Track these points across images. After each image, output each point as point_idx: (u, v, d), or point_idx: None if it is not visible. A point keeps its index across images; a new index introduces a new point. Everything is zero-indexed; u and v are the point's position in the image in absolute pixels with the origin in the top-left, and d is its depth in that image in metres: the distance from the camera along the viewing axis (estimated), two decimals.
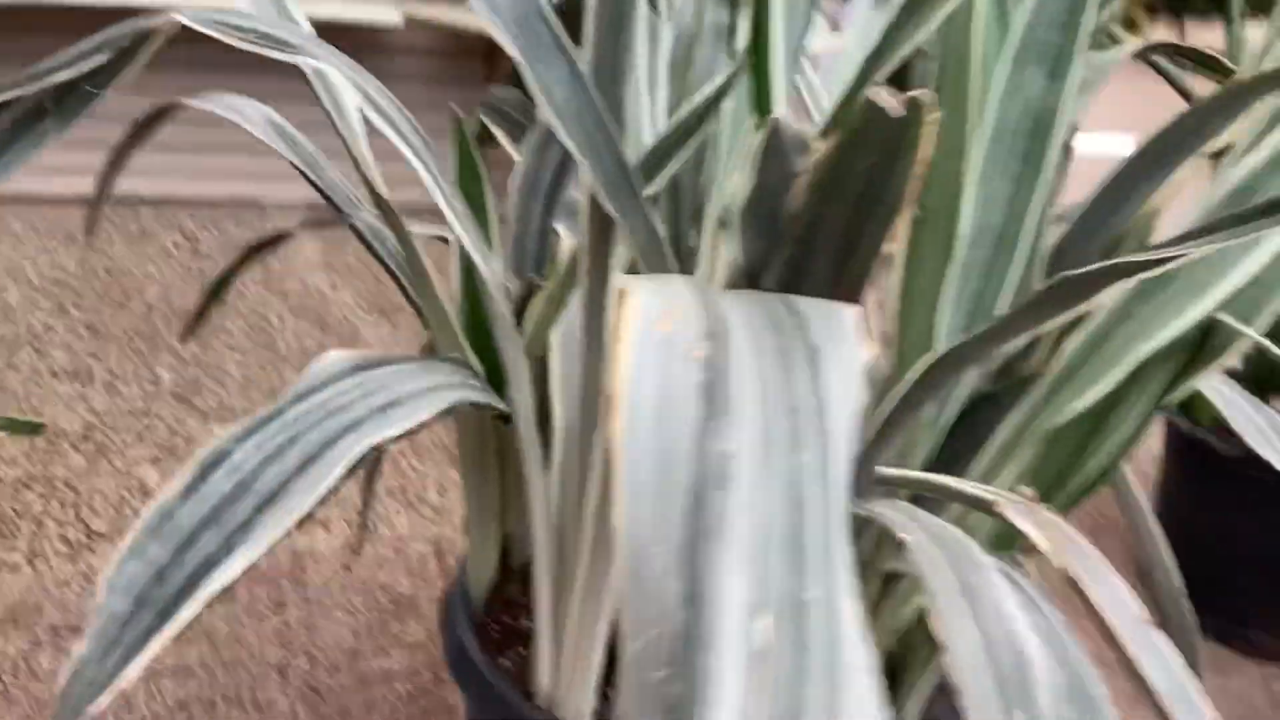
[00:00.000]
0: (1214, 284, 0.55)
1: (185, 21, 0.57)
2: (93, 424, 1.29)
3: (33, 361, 1.40)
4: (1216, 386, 0.73)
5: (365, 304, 1.61)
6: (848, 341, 0.34)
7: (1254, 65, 0.59)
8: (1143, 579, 0.77)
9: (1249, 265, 0.55)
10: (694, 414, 0.30)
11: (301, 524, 0.54)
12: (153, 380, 1.38)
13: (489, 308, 0.59)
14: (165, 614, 0.53)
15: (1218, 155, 0.62)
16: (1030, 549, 0.48)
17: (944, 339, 0.56)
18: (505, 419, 0.63)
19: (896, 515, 0.54)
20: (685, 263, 0.62)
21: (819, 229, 0.39)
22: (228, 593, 0.52)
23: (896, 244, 0.60)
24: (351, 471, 0.55)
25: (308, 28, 0.67)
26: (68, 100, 0.61)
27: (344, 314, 1.59)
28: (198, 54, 0.81)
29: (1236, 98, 0.50)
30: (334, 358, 0.58)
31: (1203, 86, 1.18)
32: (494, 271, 0.58)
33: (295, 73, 0.61)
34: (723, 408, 0.30)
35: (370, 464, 0.95)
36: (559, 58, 0.45)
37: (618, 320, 0.31)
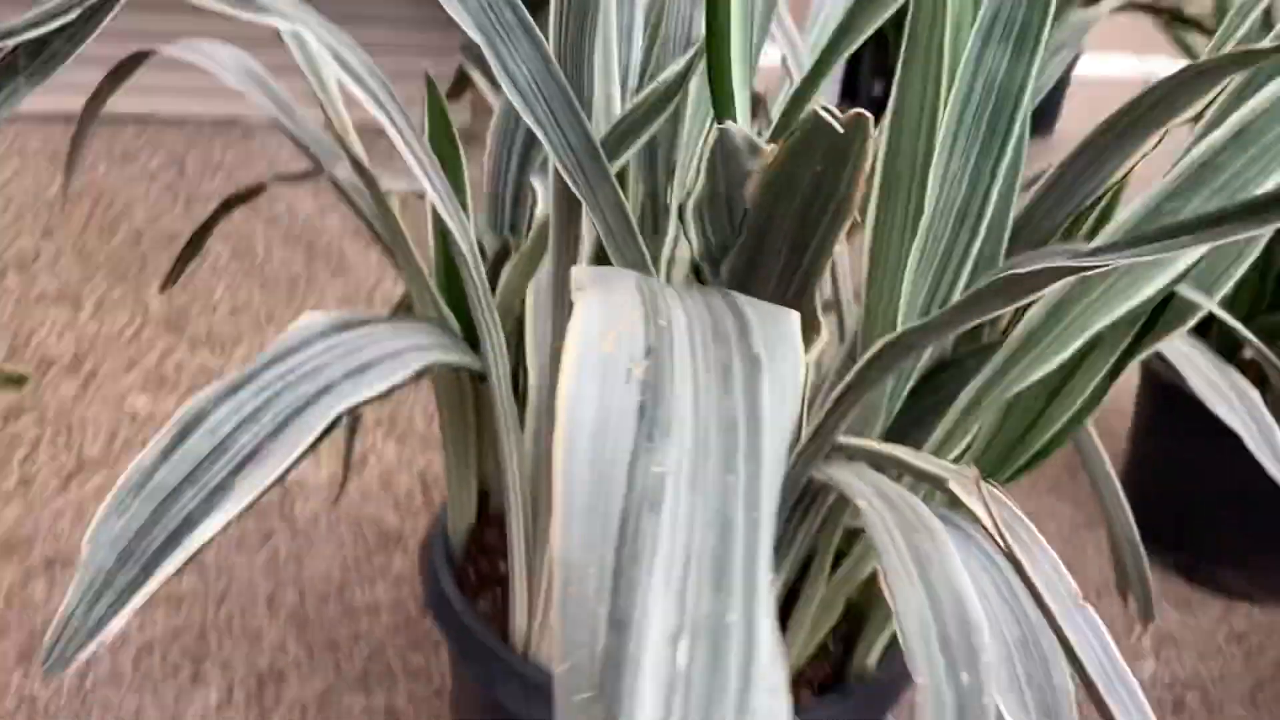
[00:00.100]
0: (1177, 257, 0.56)
1: None
2: (82, 351, 1.30)
3: (21, 286, 1.41)
4: (1177, 346, 0.74)
5: (352, 231, 1.61)
6: (789, 351, 0.35)
7: (1231, 25, 0.58)
8: (1108, 530, 0.79)
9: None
10: (630, 436, 0.31)
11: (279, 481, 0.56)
12: (141, 306, 1.39)
13: (461, 270, 0.60)
14: (148, 569, 0.55)
15: (1198, 117, 0.62)
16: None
17: (906, 306, 0.57)
18: (482, 378, 0.64)
19: (854, 480, 0.56)
20: (659, 225, 0.63)
21: (772, 224, 0.40)
22: None
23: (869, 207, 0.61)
24: (327, 433, 0.57)
25: None
26: (40, 56, 0.61)
27: (331, 240, 1.59)
28: None
29: (1201, 76, 0.50)
30: (309, 320, 0.59)
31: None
32: (466, 235, 0.59)
33: None
34: (659, 429, 0.31)
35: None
36: (522, 35, 0.45)
37: (566, 337, 0.32)
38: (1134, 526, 0.76)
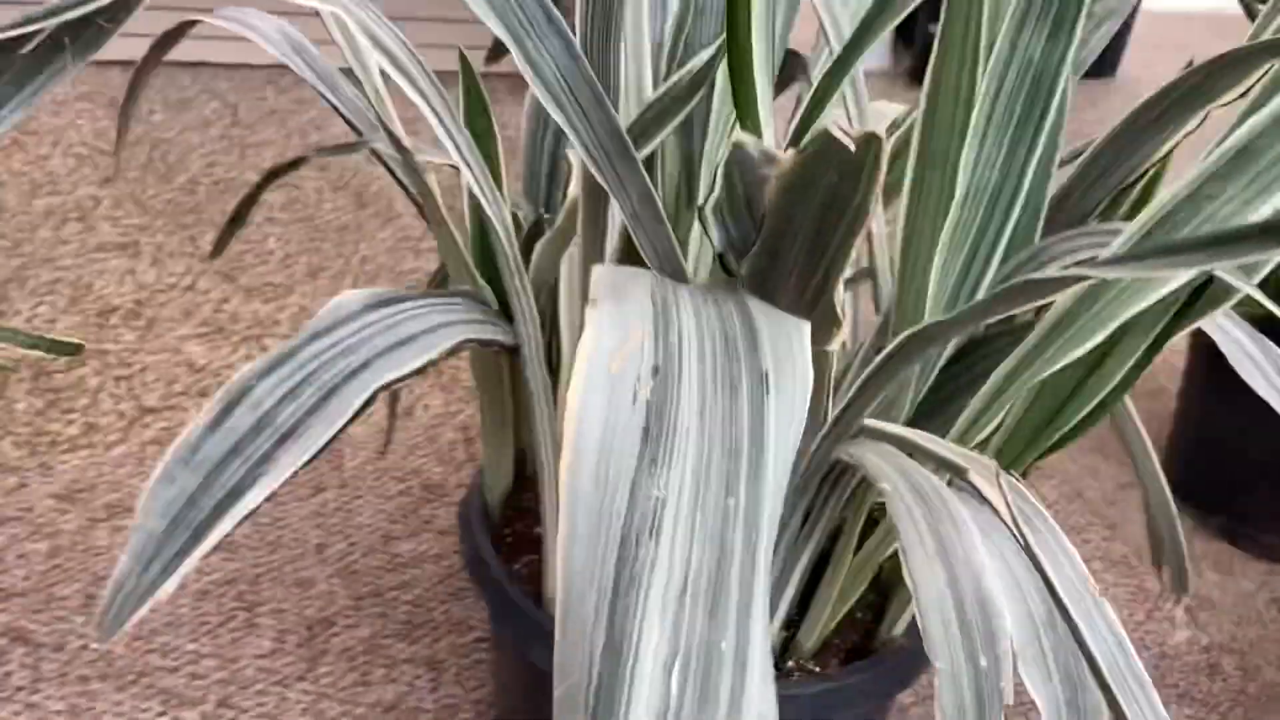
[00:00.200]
0: None
1: None
2: (142, 299, 1.34)
3: (82, 235, 1.45)
4: (1218, 321, 0.73)
5: None
6: (797, 369, 0.35)
7: (1272, 12, 0.57)
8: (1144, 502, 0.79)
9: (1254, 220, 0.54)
10: (633, 459, 0.32)
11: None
12: (197, 255, 1.42)
13: (494, 246, 0.61)
14: (198, 534, 0.57)
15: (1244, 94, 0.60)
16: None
17: (936, 287, 0.57)
18: (515, 350, 0.65)
19: (879, 462, 0.57)
20: (695, 196, 0.63)
21: (790, 226, 0.40)
22: None
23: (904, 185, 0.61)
24: (365, 408, 0.58)
25: None
26: (84, 35, 0.62)
27: (380, 189, 1.60)
28: None
29: (1239, 63, 0.49)
30: (346, 297, 0.60)
31: None
32: (500, 213, 0.60)
33: None
34: (662, 451, 0.32)
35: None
36: (548, 28, 0.46)
37: (576, 354, 0.33)
38: (1170, 500, 0.75)
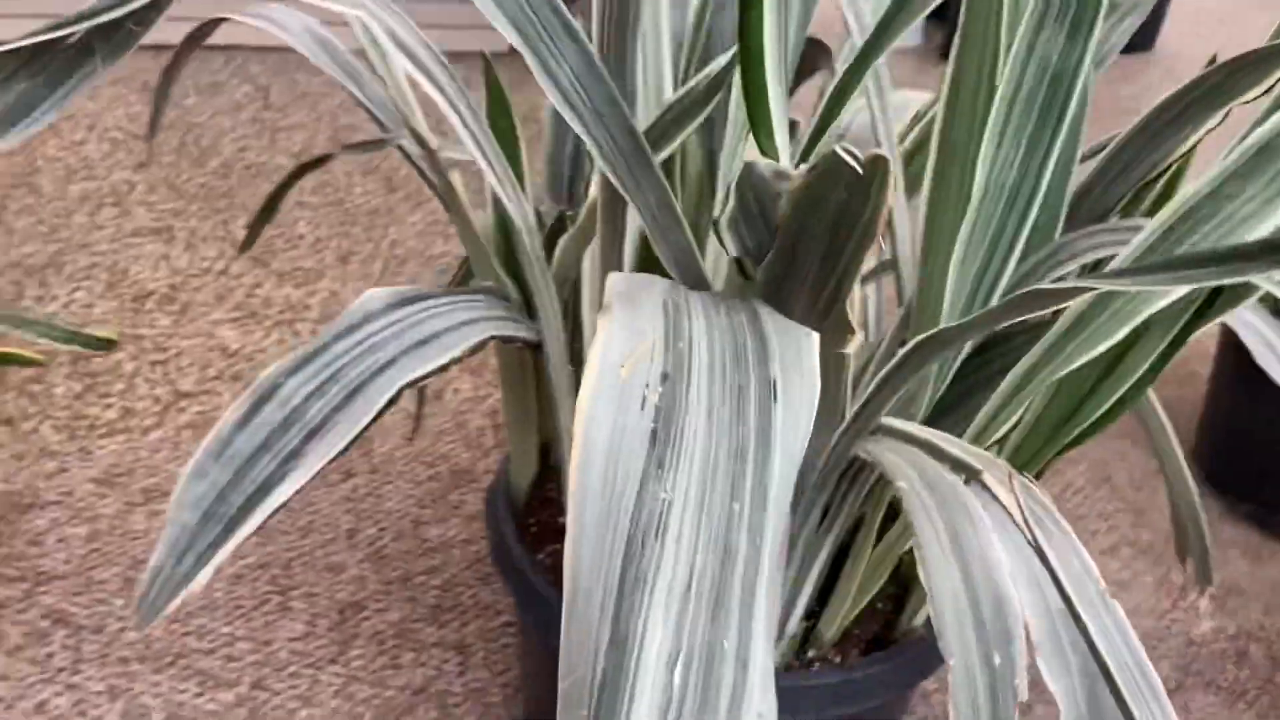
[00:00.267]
0: (1235, 239, 0.55)
1: None
2: (176, 284, 1.36)
3: (118, 220, 1.47)
4: (1241, 315, 0.73)
5: None
6: (805, 378, 0.36)
7: None
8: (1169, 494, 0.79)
9: (1274, 220, 0.54)
10: (640, 462, 0.33)
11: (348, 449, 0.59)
12: (230, 240, 1.44)
13: (517, 244, 0.62)
14: (229, 528, 0.59)
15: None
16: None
17: (954, 286, 0.58)
18: (538, 346, 0.66)
19: (896, 459, 0.57)
20: (717, 190, 0.63)
21: (803, 237, 0.41)
22: None
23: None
24: (390, 405, 0.59)
25: None
26: (114, 38, 0.63)
27: (410, 172, 1.61)
28: None
29: (1264, 60, 0.49)
30: (372, 295, 0.61)
31: None
32: (522, 211, 0.61)
33: None
34: (669, 455, 0.33)
35: None
36: (564, 35, 0.46)
37: (586, 361, 0.34)
38: (1194, 491, 0.75)
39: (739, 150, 0.57)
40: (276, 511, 0.58)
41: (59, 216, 1.45)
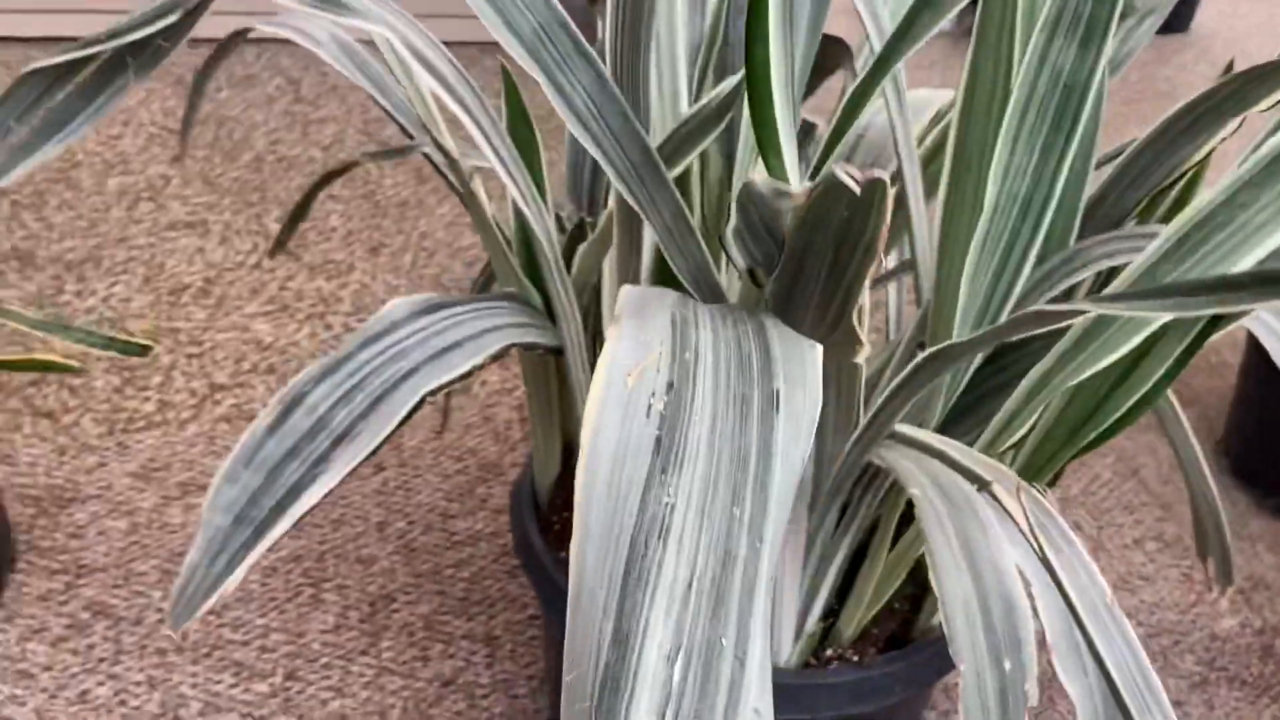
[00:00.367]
0: (1256, 246, 0.55)
1: None
2: (211, 277, 1.38)
3: (154, 214, 1.50)
4: (1261, 316, 0.73)
5: None
6: (807, 389, 0.37)
7: None
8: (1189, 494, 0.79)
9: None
10: (644, 467, 0.34)
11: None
12: (263, 234, 1.47)
13: (538, 252, 0.63)
14: (260, 531, 0.61)
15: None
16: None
17: (967, 293, 0.58)
18: (559, 351, 0.67)
19: (909, 466, 0.58)
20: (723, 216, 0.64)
21: (809, 252, 0.41)
22: None
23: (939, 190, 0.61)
24: (414, 412, 0.61)
25: None
26: (144, 54, 0.65)
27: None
28: None
29: (1274, 74, 0.49)
30: (396, 304, 0.63)
31: None
32: (542, 220, 0.62)
33: None
34: (673, 461, 0.34)
35: None
36: (577, 58, 0.47)
37: (595, 370, 0.35)
38: (1215, 491, 0.75)
39: (755, 160, 0.58)
40: (304, 516, 0.60)
41: (97, 211, 1.48)
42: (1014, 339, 0.62)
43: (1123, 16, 0.64)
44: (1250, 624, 1.02)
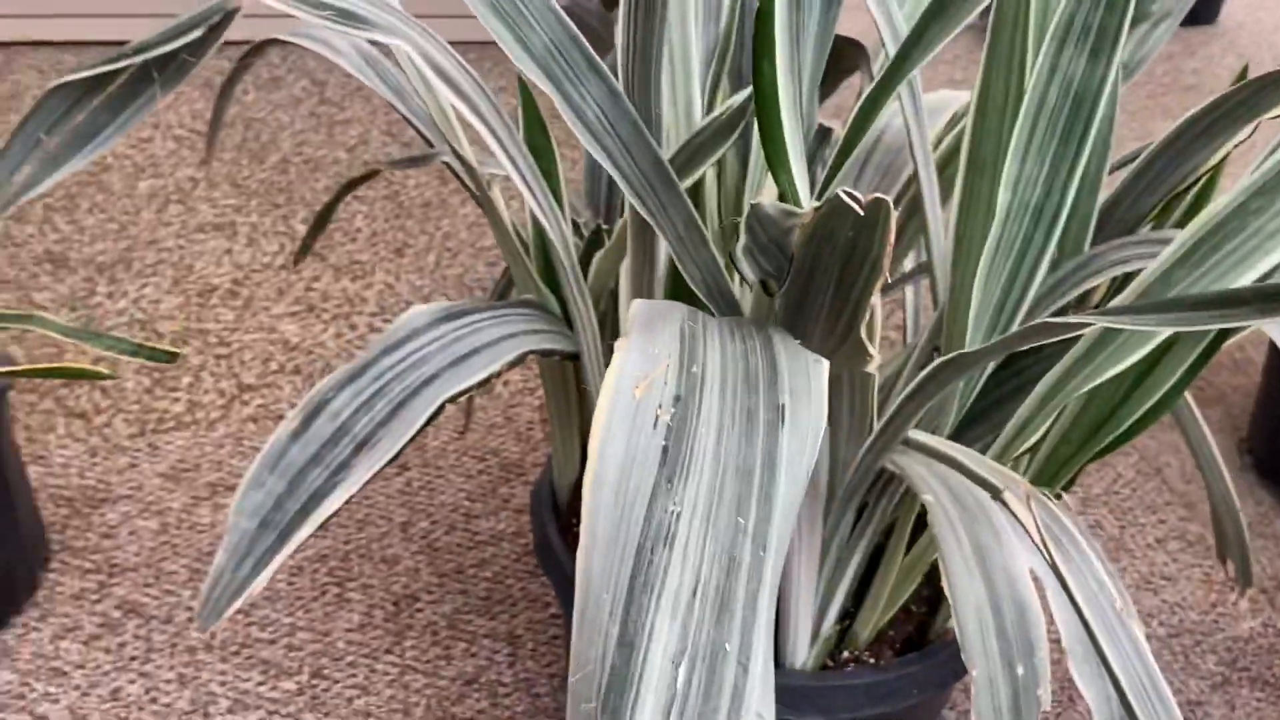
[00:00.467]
0: (1272, 249, 0.55)
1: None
2: (239, 279, 1.40)
3: (183, 216, 1.52)
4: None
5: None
6: (813, 404, 0.38)
7: None
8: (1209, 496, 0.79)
9: None
10: (651, 476, 0.35)
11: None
12: (290, 235, 1.48)
13: (554, 260, 0.64)
14: (284, 535, 0.62)
15: None
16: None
17: (980, 299, 0.58)
18: (575, 357, 0.68)
19: (922, 472, 0.58)
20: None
21: (818, 267, 0.42)
22: None
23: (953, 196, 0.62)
24: (434, 418, 0.62)
25: None
26: (170, 68, 0.66)
27: None
28: None
29: None
30: (416, 312, 0.64)
31: None
32: (558, 228, 0.63)
33: None
34: (679, 470, 0.35)
35: None
36: (589, 72, 0.48)
37: (604, 380, 0.36)
38: (1234, 494, 0.75)
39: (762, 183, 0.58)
40: (326, 521, 0.61)
41: (127, 214, 1.51)
42: (1027, 346, 0.62)
43: (1139, 21, 0.64)
44: (1273, 624, 1.02)
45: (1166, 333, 0.54)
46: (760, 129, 0.42)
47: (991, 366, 0.62)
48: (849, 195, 0.35)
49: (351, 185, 0.77)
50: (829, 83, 0.85)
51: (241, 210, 1.54)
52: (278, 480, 0.63)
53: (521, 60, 0.46)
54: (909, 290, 0.82)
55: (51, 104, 0.71)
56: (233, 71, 0.81)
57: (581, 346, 0.67)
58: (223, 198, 1.56)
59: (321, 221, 0.80)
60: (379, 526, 1.05)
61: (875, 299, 0.43)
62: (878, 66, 0.77)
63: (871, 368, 0.50)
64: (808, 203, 0.46)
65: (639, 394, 0.38)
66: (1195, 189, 0.59)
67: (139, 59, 0.64)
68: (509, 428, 1.17)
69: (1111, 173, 0.62)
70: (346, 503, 1.05)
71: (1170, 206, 0.61)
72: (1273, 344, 1.17)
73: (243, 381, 1.24)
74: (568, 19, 0.48)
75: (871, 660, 0.71)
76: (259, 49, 0.77)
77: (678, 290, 0.59)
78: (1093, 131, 0.53)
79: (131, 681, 0.90)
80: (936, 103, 0.82)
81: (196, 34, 0.63)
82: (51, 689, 0.89)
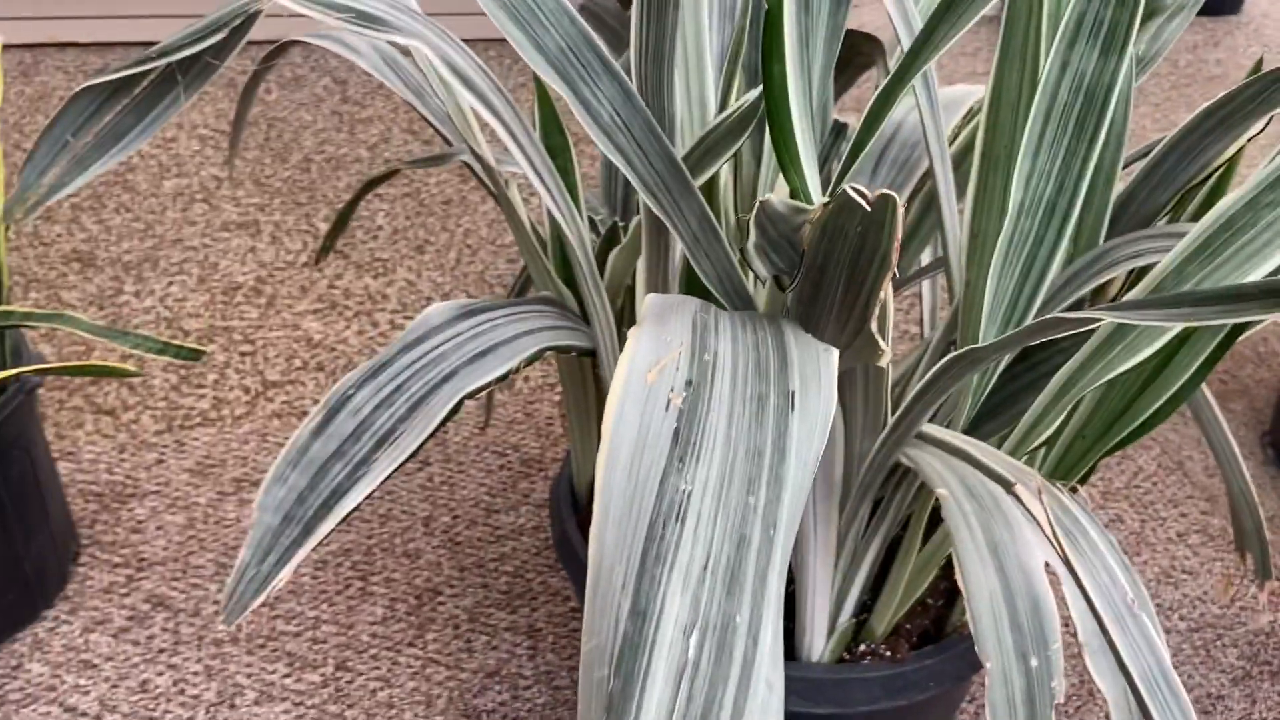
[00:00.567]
0: (1272, 249, 0.55)
1: (285, 2, 0.62)
2: (262, 277, 1.42)
3: (208, 215, 1.54)
4: None
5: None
6: (822, 390, 0.38)
7: None
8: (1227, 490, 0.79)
9: None
10: (663, 456, 0.36)
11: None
12: (312, 233, 1.50)
13: (571, 258, 0.65)
14: (308, 529, 0.63)
15: None
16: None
17: (993, 293, 0.59)
18: (592, 353, 0.69)
19: (936, 466, 0.59)
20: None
21: (828, 262, 0.42)
22: None
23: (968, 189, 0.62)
24: (452, 414, 0.63)
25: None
26: (194, 70, 0.67)
27: None
28: None
29: None
30: (435, 310, 0.65)
31: None
32: (575, 227, 0.63)
33: None
34: (690, 452, 0.36)
35: None
36: (603, 72, 0.48)
37: (617, 366, 0.37)
38: (1252, 489, 0.75)
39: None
40: (348, 516, 0.62)
41: (153, 213, 1.52)
42: (1040, 340, 0.62)
43: (1153, 14, 0.64)
44: None
45: (1177, 328, 0.54)
46: (770, 129, 0.43)
47: (1006, 360, 0.63)
48: (856, 191, 0.36)
49: (372, 184, 0.78)
50: (846, 77, 0.85)
51: (265, 209, 1.55)
52: (300, 476, 0.64)
53: (535, 61, 0.46)
54: (925, 285, 0.82)
55: (78, 106, 0.73)
56: (255, 72, 0.82)
57: (598, 343, 0.67)
58: (246, 196, 1.58)
59: (343, 220, 0.81)
60: (401, 521, 1.06)
61: (886, 293, 0.44)
62: (893, 61, 0.78)
63: (883, 361, 0.50)
64: (818, 199, 0.47)
65: (651, 378, 0.39)
66: (1210, 183, 0.59)
67: (164, 61, 0.65)
68: (529, 423, 1.18)
69: (1127, 166, 0.62)
70: (368, 498, 1.06)
71: (1185, 200, 0.61)
72: None
73: (267, 378, 1.25)
74: (580, 19, 0.48)
75: (888, 654, 0.71)
76: (281, 49, 0.78)
77: (693, 286, 0.59)
78: (1105, 127, 0.53)
79: (160, 673, 0.91)
80: (954, 97, 0.82)
81: (220, 36, 0.64)
82: (82, 681, 0.90)
